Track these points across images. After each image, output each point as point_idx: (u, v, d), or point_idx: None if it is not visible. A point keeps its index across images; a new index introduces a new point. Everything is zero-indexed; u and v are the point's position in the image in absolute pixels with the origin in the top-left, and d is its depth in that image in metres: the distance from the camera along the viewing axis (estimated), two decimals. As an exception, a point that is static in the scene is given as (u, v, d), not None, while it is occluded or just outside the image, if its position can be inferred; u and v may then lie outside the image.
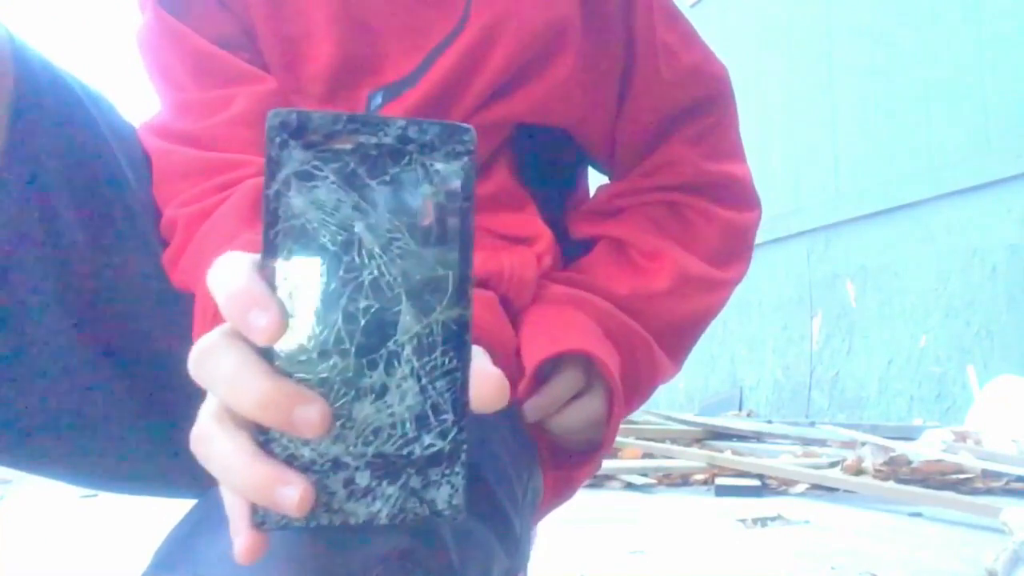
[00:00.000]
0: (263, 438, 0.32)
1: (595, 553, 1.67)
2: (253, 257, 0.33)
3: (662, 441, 3.27)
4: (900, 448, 2.57)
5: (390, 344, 0.32)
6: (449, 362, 0.33)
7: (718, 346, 5.26)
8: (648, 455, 3.00)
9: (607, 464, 2.62)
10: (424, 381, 0.33)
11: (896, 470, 2.44)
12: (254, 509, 0.32)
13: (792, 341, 4.77)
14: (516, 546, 0.57)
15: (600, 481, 2.59)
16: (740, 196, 0.77)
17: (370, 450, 0.33)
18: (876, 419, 4.01)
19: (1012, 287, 3.60)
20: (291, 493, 0.31)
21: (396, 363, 0.32)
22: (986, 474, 2.40)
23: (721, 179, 0.76)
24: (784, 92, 4.92)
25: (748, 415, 4.64)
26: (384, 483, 0.33)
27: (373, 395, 0.32)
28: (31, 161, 0.58)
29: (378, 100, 0.68)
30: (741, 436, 3.45)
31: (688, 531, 1.94)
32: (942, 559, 1.63)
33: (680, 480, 2.73)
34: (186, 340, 0.64)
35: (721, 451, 3.01)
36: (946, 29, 3.92)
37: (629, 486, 2.62)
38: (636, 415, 4.22)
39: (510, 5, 0.67)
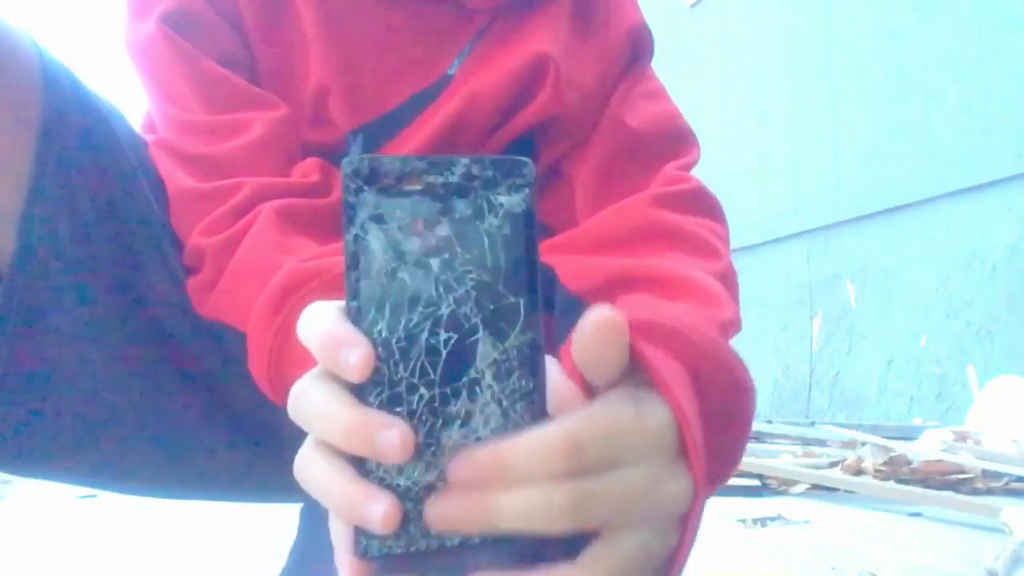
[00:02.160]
0: (361, 469, 0.34)
1: (595, 553, 1.66)
2: (339, 304, 0.35)
3: (662, 441, 3.26)
4: (900, 448, 2.57)
5: (471, 372, 0.34)
6: (526, 384, 0.35)
7: (718, 346, 5.26)
8: (648, 455, 2.99)
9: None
10: (505, 404, 0.34)
11: (896, 470, 2.44)
12: (357, 539, 0.34)
13: (792, 341, 4.77)
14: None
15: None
16: (680, 142, 0.74)
17: None
18: (876, 419, 4.00)
19: (1012, 287, 3.60)
20: (377, 509, 0.33)
21: (478, 390, 0.34)
22: (986, 474, 2.39)
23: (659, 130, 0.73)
24: (784, 92, 4.92)
25: (748, 415, 4.64)
26: None
27: (459, 422, 0.34)
28: (61, 177, 0.60)
29: (356, 147, 0.69)
30: (741, 436, 3.44)
31: (688, 531, 1.94)
32: (942, 559, 1.63)
33: (680, 480, 2.73)
34: (212, 352, 0.65)
35: (721, 451, 3.00)
36: (946, 29, 3.92)
37: (629, 486, 2.62)
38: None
39: (492, 69, 0.69)
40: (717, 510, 2.22)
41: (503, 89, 0.69)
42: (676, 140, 0.73)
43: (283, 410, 0.57)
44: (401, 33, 0.70)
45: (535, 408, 0.35)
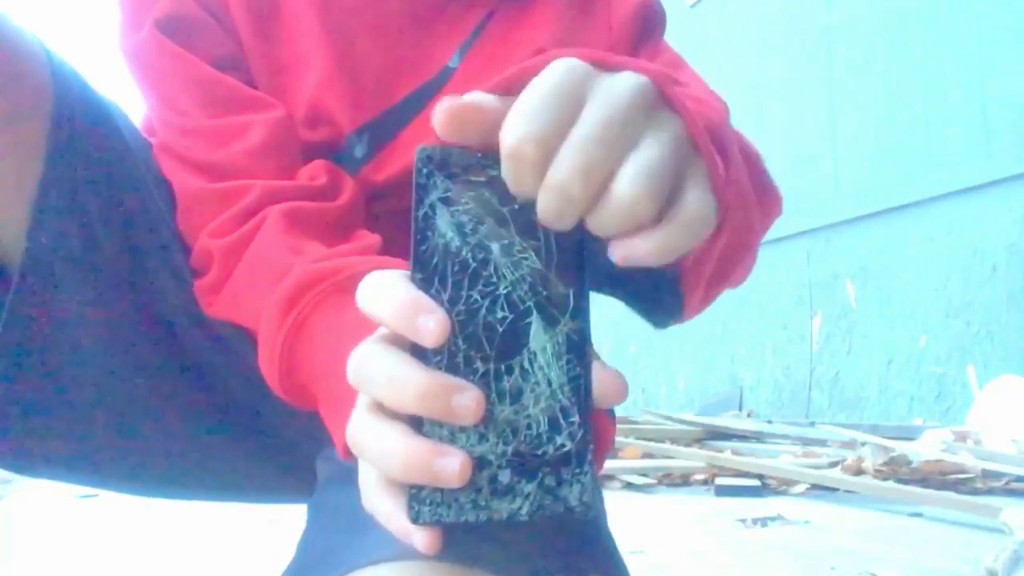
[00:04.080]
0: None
1: (595, 553, 1.66)
2: (401, 273, 0.37)
3: (662, 441, 3.27)
4: (900, 448, 2.57)
5: (524, 352, 0.36)
6: (574, 369, 0.36)
7: (718, 346, 5.26)
8: (648, 455, 3.00)
9: (607, 464, 2.62)
10: (555, 386, 0.36)
11: (896, 470, 2.44)
12: (410, 504, 0.35)
13: (792, 341, 4.77)
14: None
15: (600, 481, 2.59)
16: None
17: (510, 449, 0.36)
18: (876, 419, 4.01)
19: (1012, 287, 3.60)
20: (451, 463, 0.34)
21: (530, 369, 0.36)
22: (986, 474, 2.39)
23: None
24: (784, 92, 4.92)
25: (748, 415, 4.64)
26: (523, 481, 0.36)
27: (510, 398, 0.36)
28: (69, 180, 0.60)
29: (362, 146, 0.68)
30: (741, 436, 3.45)
31: (688, 531, 1.94)
32: (942, 559, 1.63)
33: (680, 480, 2.73)
34: (217, 354, 0.65)
35: (721, 451, 3.01)
36: (946, 29, 3.92)
37: (629, 486, 2.62)
38: (636, 415, 4.22)
39: (494, 63, 0.68)
40: (717, 510, 2.22)
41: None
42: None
43: (287, 412, 0.58)
44: (401, 23, 0.69)
45: (581, 392, 0.36)
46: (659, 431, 3.48)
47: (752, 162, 0.55)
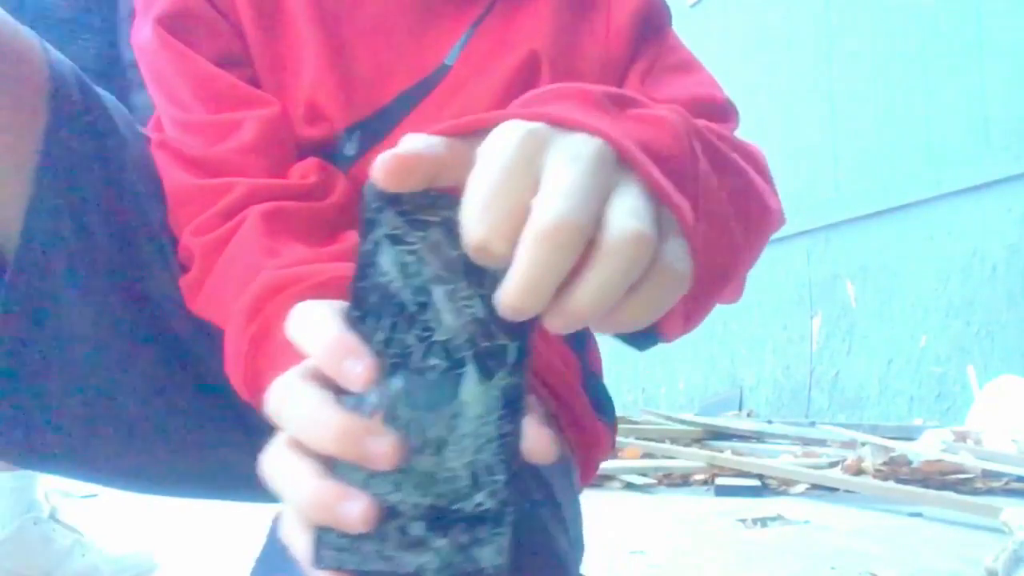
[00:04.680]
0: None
1: (595, 553, 1.67)
2: (335, 306, 0.36)
3: (662, 441, 3.27)
4: (900, 448, 2.57)
5: (454, 403, 0.35)
6: (505, 425, 0.35)
7: (718, 346, 5.26)
8: (648, 455, 3.00)
9: (607, 464, 2.62)
10: (481, 441, 0.35)
11: (896, 470, 2.44)
12: (315, 547, 0.34)
13: (792, 341, 4.77)
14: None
15: (600, 481, 2.59)
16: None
17: (425, 501, 0.35)
18: (876, 419, 4.00)
19: (1012, 287, 3.60)
20: (355, 507, 0.33)
21: (457, 421, 0.35)
22: (986, 474, 2.39)
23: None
24: (784, 91, 4.92)
25: (748, 415, 4.64)
26: (435, 535, 0.35)
27: (433, 449, 0.35)
28: (65, 173, 0.60)
29: (352, 144, 0.68)
30: (741, 436, 3.45)
31: (688, 531, 1.94)
32: (942, 559, 1.63)
33: (680, 480, 2.73)
34: (212, 349, 0.65)
35: (721, 451, 3.00)
36: (946, 29, 3.92)
37: (629, 486, 2.62)
38: (636, 415, 4.22)
39: (489, 62, 0.67)
40: (717, 510, 2.22)
41: (500, 86, 0.67)
42: (711, 109, 0.68)
43: None
44: (396, 20, 0.69)
45: (508, 450, 0.35)
46: (659, 431, 3.48)
47: (742, 176, 0.53)
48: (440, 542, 0.34)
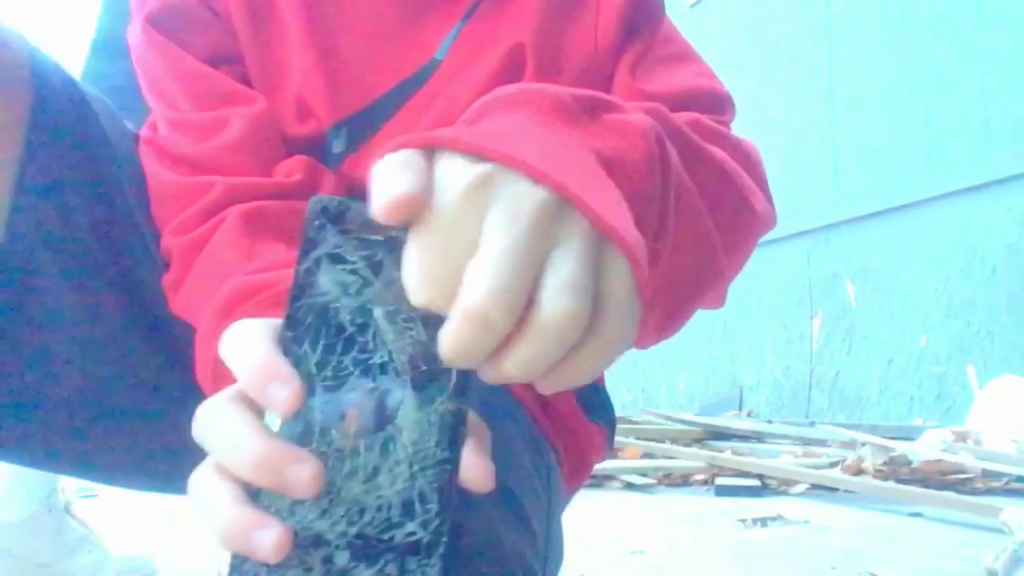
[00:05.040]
0: (254, 501, 0.33)
1: (595, 553, 1.67)
2: (270, 325, 0.35)
3: (662, 441, 3.27)
4: (900, 448, 2.57)
5: (389, 428, 0.33)
6: (441, 453, 0.33)
7: (718, 346, 5.26)
8: (648, 455, 3.00)
9: (607, 464, 2.62)
10: (415, 468, 0.33)
11: (896, 470, 2.44)
12: (231, 573, 0.33)
13: (792, 341, 4.77)
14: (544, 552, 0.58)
15: (600, 481, 2.59)
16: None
17: (353, 530, 0.33)
18: (876, 419, 4.01)
19: (1012, 287, 3.60)
20: (268, 536, 0.32)
21: (391, 447, 0.33)
22: (986, 474, 2.39)
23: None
24: (784, 92, 4.92)
25: (748, 415, 4.64)
26: (361, 566, 0.33)
27: (364, 476, 0.33)
28: (49, 170, 0.60)
29: (340, 141, 0.67)
30: (741, 436, 3.45)
31: (688, 531, 1.94)
32: (942, 559, 1.63)
33: (680, 480, 2.73)
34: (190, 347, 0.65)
35: (721, 451, 3.00)
36: (946, 29, 3.92)
37: (629, 486, 2.62)
38: (636, 415, 4.22)
39: (478, 56, 0.67)
40: (717, 510, 2.22)
41: (485, 80, 0.66)
42: (706, 99, 0.66)
43: None
44: (386, 16, 0.68)
45: (444, 478, 0.33)
46: (659, 431, 3.48)
47: (723, 177, 0.52)
48: (367, 572, 0.33)
